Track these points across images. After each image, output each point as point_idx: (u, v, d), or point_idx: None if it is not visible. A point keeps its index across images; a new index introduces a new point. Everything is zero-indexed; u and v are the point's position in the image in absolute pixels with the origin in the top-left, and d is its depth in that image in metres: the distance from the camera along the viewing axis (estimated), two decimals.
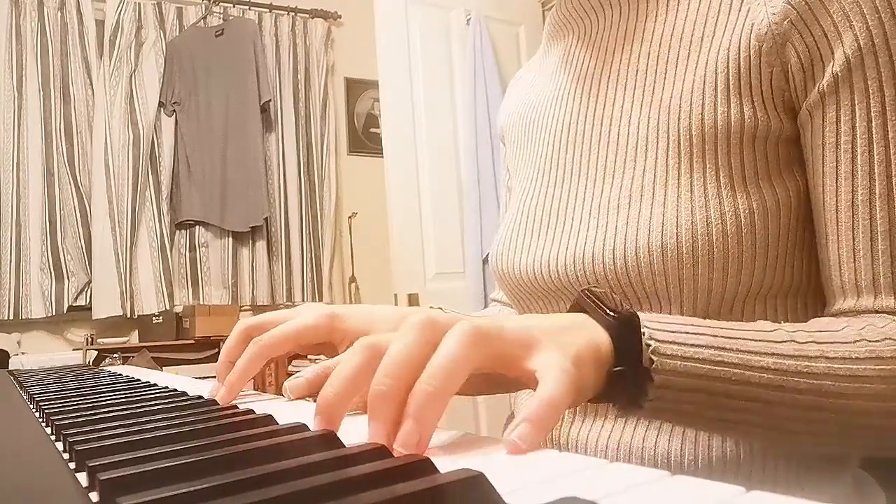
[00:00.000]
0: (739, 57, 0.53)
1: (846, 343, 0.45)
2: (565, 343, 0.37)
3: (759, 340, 0.44)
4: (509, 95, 0.84)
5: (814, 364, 0.43)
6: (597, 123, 0.62)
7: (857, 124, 0.49)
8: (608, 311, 0.40)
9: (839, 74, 0.49)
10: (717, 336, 0.43)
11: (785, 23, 0.51)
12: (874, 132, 0.49)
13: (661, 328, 0.42)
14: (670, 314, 0.54)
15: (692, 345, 0.42)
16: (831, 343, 0.45)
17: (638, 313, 0.42)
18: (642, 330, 0.41)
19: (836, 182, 0.50)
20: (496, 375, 0.37)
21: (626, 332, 0.40)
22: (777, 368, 0.43)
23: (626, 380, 0.39)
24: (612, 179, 0.58)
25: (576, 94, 0.65)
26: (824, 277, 0.53)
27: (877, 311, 0.49)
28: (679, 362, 0.41)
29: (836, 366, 0.44)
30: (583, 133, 0.63)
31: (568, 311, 0.44)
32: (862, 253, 0.49)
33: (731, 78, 0.53)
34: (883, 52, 0.48)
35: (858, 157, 0.49)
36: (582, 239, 0.58)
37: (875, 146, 0.48)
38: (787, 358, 0.43)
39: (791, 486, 0.54)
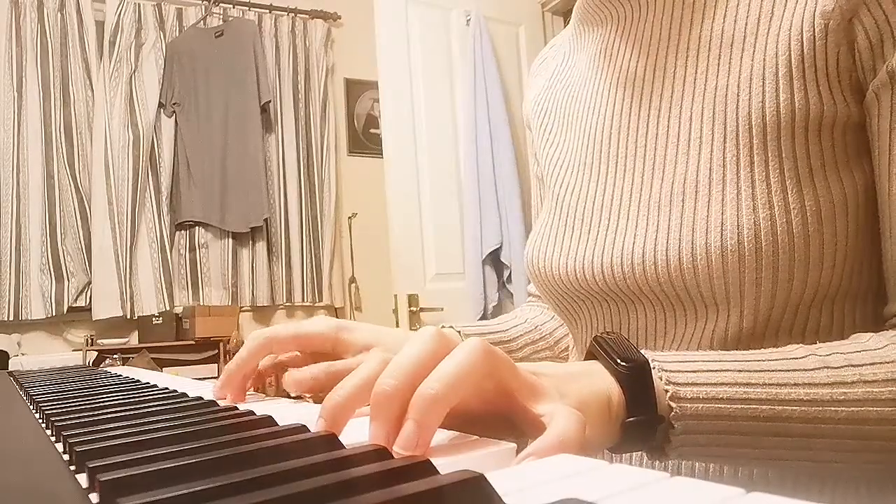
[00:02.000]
0: (803, 38, 0.48)
1: (889, 363, 0.42)
2: (568, 393, 0.36)
3: (790, 370, 0.41)
4: (536, 78, 0.78)
5: (851, 391, 0.41)
6: (643, 115, 0.58)
7: None
8: (617, 359, 0.39)
9: None
10: (742, 371, 0.41)
11: None
12: None
13: (679, 369, 0.40)
14: (728, 322, 0.51)
15: (715, 384, 0.40)
16: (871, 364, 0.42)
17: (654, 354, 0.40)
18: (658, 375, 0.39)
19: None
20: (500, 420, 0.36)
21: (636, 381, 0.38)
22: (810, 399, 0.40)
23: (642, 430, 0.38)
24: (661, 174, 0.54)
25: (619, 85, 0.61)
26: (886, 275, 0.49)
27: None
28: (701, 405, 0.39)
29: (876, 389, 0.41)
30: (628, 125, 0.59)
31: (584, 360, 0.42)
32: None
33: (793, 61, 0.49)
34: None
35: None
36: (629, 238, 0.54)
37: None
38: (820, 387, 0.41)
39: (824, 497, 0.51)
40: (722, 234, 0.48)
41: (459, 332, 0.71)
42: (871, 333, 0.47)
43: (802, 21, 0.49)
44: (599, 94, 0.63)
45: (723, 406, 0.39)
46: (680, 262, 0.50)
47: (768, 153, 0.49)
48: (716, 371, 0.40)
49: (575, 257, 0.59)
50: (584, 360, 0.42)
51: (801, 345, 0.45)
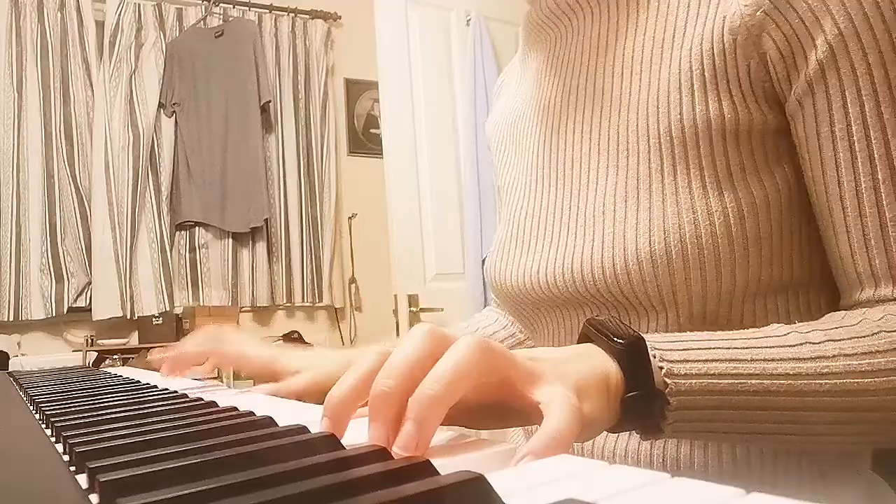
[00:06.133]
0: (713, 51, 0.51)
1: (864, 337, 0.44)
2: (567, 373, 0.36)
3: (774, 346, 0.43)
4: (496, 101, 0.83)
5: (833, 363, 0.43)
6: (577, 130, 0.61)
7: (850, 110, 0.47)
8: (613, 338, 0.40)
9: (823, 61, 0.48)
10: (730, 348, 0.42)
11: (758, 13, 0.49)
12: (868, 116, 0.47)
13: (671, 347, 0.41)
14: (667, 321, 0.53)
15: (706, 360, 0.41)
16: (849, 339, 0.44)
17: (646, 335, 0.41)
18: (652, 353, 0.40)
19: (838, 172, 0.49)
20: (500, 409, 0.36)
21: (633, 357, 0.39)
22: (796, 373, 0.42)
23: (641, 406, 0.39)
24: (595, 186, 0.57)
25: (556, 103, 0.64)
26: (836, 270, 0.51)
27: None
28: (694, 381, 0.40)
29: (855, 362, 0.43)
30: (564, 141, 0.62)
31: (577, 343, 0.43)
32: (874, 242, 0.48)
33: (706, 74, 0.52)
34: (865, 33, 0.47)
35: (856, 143, 0.48)
36: (570, 248, 0.57)
37: (871, 130, 0.47)
38: (804, 361, 0.42)
39: (803, 490, 0.53)
40: (650, 240, 0.51)
41: None
42: (845, 312, 0.49)
43: (712, 36, 0.52)
44: (537, 114, 0.67)
45: (715, 381, 0.40)
46: (614, 269, 0.53)
47: (689, 161, 0.52)
48: (705, 349, 0.42)
49: (525, 269, 0.62)
50: (578, 343, 0.43)
51: (781, 324, 0.46)
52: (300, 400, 0.66)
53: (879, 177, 0.47)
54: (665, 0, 0.57)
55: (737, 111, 0.51)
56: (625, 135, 0.56)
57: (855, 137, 0.48)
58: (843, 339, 0.44)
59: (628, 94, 0.57)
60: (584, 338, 0.43)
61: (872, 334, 0.44)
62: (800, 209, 0.53)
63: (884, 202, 0.47)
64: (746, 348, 0.42)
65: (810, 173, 0.51)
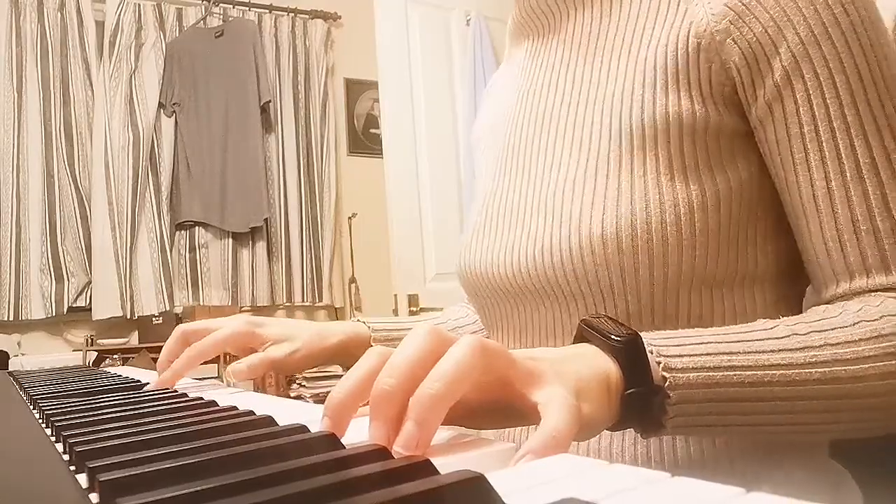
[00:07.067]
0: (678, 52, 0.54)
1: (846, 327, 0.46)
2: (567, 373, 0.37)
3: (764, 339, 0.44)
4: (480, 109, 0.85)
5: (820, 353, 0.44)
6: (545, 120, 0.63)
7: (817, 113, 0.51)
8: (611, 336, 0.40)
9: (788, 68, 0.51)
10: (722, 341, 0.43)
11: (724, 21, 0.52)
12: (833, 119, 0.50)
13: (667, 343, 0.42)
14: (616, 312, 0.54)
15: (701, 354, 0.42)
16: (832, 330, 0.46)
17: (641, 333, 0.42)
18: (649, 349, 0.41)
19: (809, 172, 0.51)
20: (500, 409, 0.37)
21: (631, 354, 0.40)
22: (787, 363, 0.43)
23: (641, 402, 0.40)
24: (556, 173, 0.59)
25: (529, 95, 0.67)
26: (811, 267, 0.54)
27: (871, 291, 0.50)
28: (692, 374, 0.41)
29: (840, 351, 0.45)
30: (532, 131, 0.64)
31: (573, 343, 0.44)
32: (846, 237, 0.50)
33: (669, 72, 0.55)
34: (826, 42, 0.50)
35: (824, 144, 0.51)
36: (530, 235, 0.59)
37: (837, 132, 0.50)
38: (794, 352, 0.44)
39: (768, 483, 0.54)
40: (602, 224, 0.53)
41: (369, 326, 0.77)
42: (825, 305, 0.51)
43: (678, 37, 0.55)
44: (513, 106, 0.69)
45: (711, 374, 0.42)
46: (570, 253, 0.55)
47: (646, 152, 0.54)
48: (699, 343, 0.43)
49: (489, 257, 0.63)
50: (574, 343, 0.44)
51: (767, 319, 0.48)
52: (280, 369, 0.70)
53: (848, 175, 0.50)
54: (637, 4, 0.60)
55: (694, 109, 0.54)
56: (588, 125, 0.58)
57: (823, 139, 0.51)
58: (827, 330, 0.46)
59: (596, 87, 0.60)
60: (580, 338, 0.44)
61: (854, 324, 0.46)
62: (750, 208, 0.55)
63: (853, 198, 0.50)
64: (738, 342, 0.44)
65: (782, 174, 0.53)
